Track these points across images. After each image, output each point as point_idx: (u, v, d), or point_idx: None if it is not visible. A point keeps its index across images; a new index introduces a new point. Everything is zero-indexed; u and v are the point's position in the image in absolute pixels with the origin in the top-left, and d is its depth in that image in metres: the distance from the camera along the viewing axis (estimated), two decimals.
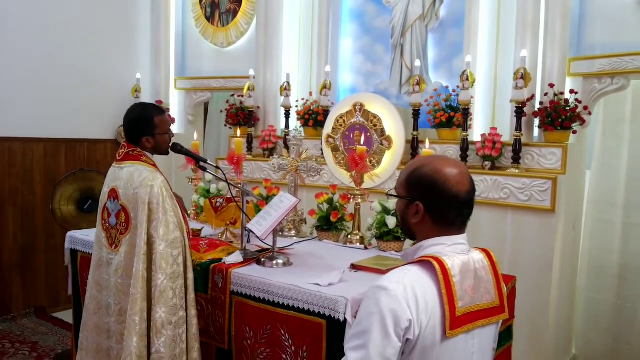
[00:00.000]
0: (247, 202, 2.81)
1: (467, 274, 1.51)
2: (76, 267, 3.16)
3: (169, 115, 5.24)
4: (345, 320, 2.07)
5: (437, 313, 1.44)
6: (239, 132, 4.10)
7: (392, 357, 1.39)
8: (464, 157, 3.78)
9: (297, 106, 4.72)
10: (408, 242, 2.95)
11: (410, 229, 1.61)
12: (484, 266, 1.57)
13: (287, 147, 3.90)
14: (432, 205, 1.53)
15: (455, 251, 1.53)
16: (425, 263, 1.49)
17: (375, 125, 4.03)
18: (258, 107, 4.97)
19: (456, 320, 1.45)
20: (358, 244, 3.06)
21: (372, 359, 1.38)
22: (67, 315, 4.42)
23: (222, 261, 2.58)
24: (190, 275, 2.47)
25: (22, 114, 4.72)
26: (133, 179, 2.45)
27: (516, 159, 3.58)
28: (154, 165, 2.54)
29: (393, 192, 1.66)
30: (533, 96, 3.64)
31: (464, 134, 3.78)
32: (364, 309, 1.46)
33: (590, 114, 3.63)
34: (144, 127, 2.53)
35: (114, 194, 2.51)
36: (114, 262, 2.48)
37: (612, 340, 3.88)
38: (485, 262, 1.59)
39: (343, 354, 2.10)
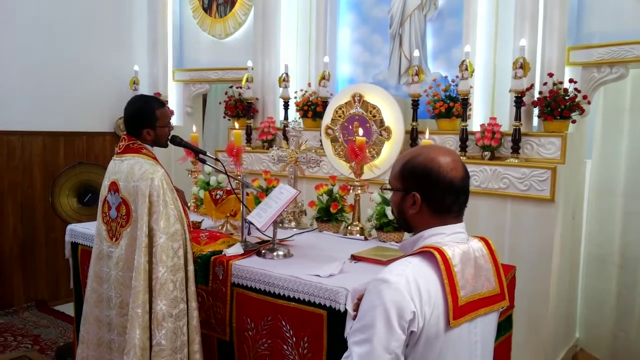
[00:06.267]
0: (247, 194, 2.81)
1: (467, 262, 1.51)
2: (77, 260, 3.17)
3: (168, 108, 5.24)
4: (346, 310, 2.08)
5: (440, 303, 1.44)
6: (237, 124, 4.10)
7: (397, 350, 1.39)
8: (463, 147, 3.78)
9: (295, 97, 4.70)
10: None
11: (408, 221, 1.60)
12: (483, 254, 1.58)
13: (286, 138, 3.89)
14: (429, 193, 1.53)
15: (454, 240, 1.53)
16: (426, 254, 1.49)
17: (374, 116, 4.02)
18: (257, 99, 4.95)
19: (459, 310, 1.45)
20: (358, 235, 3.06)
21: (377, 352, 1.38)
22: (68, 308, 4.42)
23: (223, 253, 2.58)
24: (191, 267, 2.48)
25: (20, 107, 4.71)
26: (133, 171, 2.45)
27: (515, 149, 3.58)
28: (155, 158, 2.54)
29: (388, 186, 1.66)
30: (532, 86, 3.63)
31: (463, 124, 3.78)
32: (366, 302, 1.45)
33: (589, 103, 3.63)
34: (145, 119, 2.54)
35: (114, 187, 2.52)
36: (114, 255, 2.49)
37: (614, 328, 3.91)
38: (484, 251, 1.59)
39: (343, 345, 2.11)
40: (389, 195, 2.96)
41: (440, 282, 1.45)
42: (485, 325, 1.57)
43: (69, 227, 3.24)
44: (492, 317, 1.62)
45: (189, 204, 3.58)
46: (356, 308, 1.57)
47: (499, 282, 1.60)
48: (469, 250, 1.54)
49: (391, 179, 1.63)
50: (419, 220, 1.57)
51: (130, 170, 2.46)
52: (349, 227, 3.12)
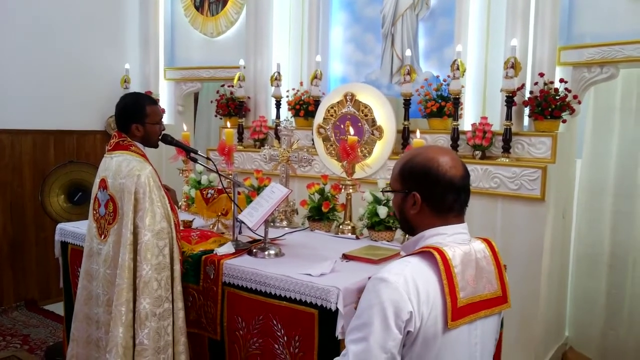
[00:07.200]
0: (239, 193, 2.80)
1: (468, 264, 1.51)
2: (67, 260, 3.14)
3: (160, 107, 5.22)
4: (337, 309, 2.08)
5: (438, 304, 1.43)
6: (229, 123, 4.09)
7: (393, 349, 1.39)
8: (454, 146, 3.79)
9: (287, 96, 4.70)
10: (400, 231, 2.96)
11: (409, 222, 1.60)
12: (485, 256, 1.57)
13: (278, 137, 3.89)
14: (429, 193, 1.53)
15: (456, 241, 1.53)
16: (425, 254, 1.48)
17: (366, 115, 4.02)
18: (248, 98, 4.94)
19: (458, 311, 1.45)
20: (349, 234, 3.06)
21: (373, 351, 1.38)
22: (58, 308, 4.40)
23: (214, 252, 2.57)
24: (177, 267, 2.46)
25: (10, 105, 4.67)
26: (121, 168, 2.44)
27: (506, 148, 3.60)
28: (143, 156, 2.53)
29: (388, 189, 1.66)
30: (523, 85, 3.65)
31: (455, 123, 3.79)
32: (364, 301, 1.45)
33: (579, 103, 3.65)
34: (135, 114, 2.53)
35: (103, 184, 2.51)
36: (102, 253, 2.48)
37: (604, 327, 3.94)
38: (487, 252, 1.58)
39: (334, 344, 2.11)
40: (382, 195, 2.97)
41: (439, 282, 1.44)
42: (485, 327, 1.56)
43: (59, 226, 3.21)
44: (493, 319, 1.61)
45: (180, 203, 3.56)
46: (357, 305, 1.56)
47: (501, 285, 1.59)
48: (470, 252, 1.53)
49: (391, 181, 1.63)
50: (420, 221, 1.57)
51: (118, 167, 2.46)
52: (341, 226, 3.12)
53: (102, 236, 2.50)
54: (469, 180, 1.57)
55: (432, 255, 1.46)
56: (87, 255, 2.59)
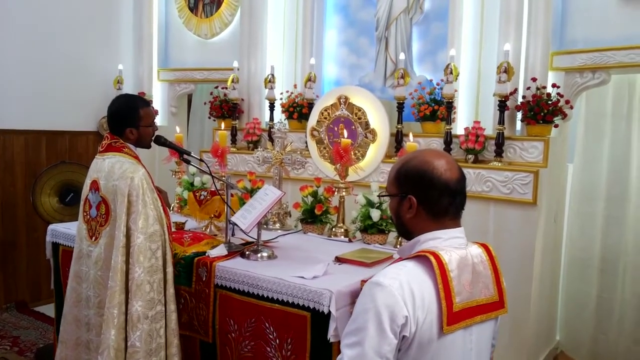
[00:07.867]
0: (232, 195, 2.79)
1: (464, 268, 1.50)
2: (58, 261, 3.13)
3: (153, 108, 5.20)
4: (330, 312, 2.08)
5: (433, 309, 1.42)
6: (222, 125, 4.08)
7: (388, 354, 1.38)
8: (447, 150, 3.81)
9: (281, 99, 4.70)
10: (392, 234, 2.97)
11: (406, 226, 1.59)
12: (482, 261, 1.57)
13: (271, 139, 3.89)
14: (424, 196, 1.52)
15: (452, 245, 1.52)
16: (421, 258, 1.48)
17: (359, 119, 4.03)
18: (242, 100, 4.94)
19: (453, 316, 1.44)
20: (342, 237, 3.06)
21: (368, 356, 1.37)
22: (48, 309, 4.37)
23: (206, 254, 2.56)
24: (170, 269, 2.45)
25: (2, 105, 4.63)
26: (114, 170, 2.43)
27: (499, 153, 3.62)
28: (136, 157, 2.52)
29: (384, 193, 1.65)
30: (516, 90, 3.67)
31: (448, 127, 3.80)
32: (359, 305, 1.44)
33: (572, 108, 3.67)
34: (128, 118, 2.51)
35: (95, 186, 2.49)
36: (93, 254, 2.46)
37: (594, 331, 3.96)
38: (484, 257, 1.58)
39: (327, 347, 2.11)
40: (376, 195, 2.97)
41: (435, 287, 1.44)
42: (481, 332, 1.56)
43: (50, 227, 3.20)
44: (490, 324, 1.60)
45: (172, 205, 3.55)
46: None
47: (498, 290, 1.59)
48: (466, 256, 1.53)
49: (387, 185, 1.63)
50: (416, 225, 1.56)
51: (110, 169, 2.44)
52: (334, 229, 3.12)
53: (93, 238, 2.48)
54: (465, 184, 1.56)
55: (428, 260, 1.46)
56: (76, 257, 2.57)
